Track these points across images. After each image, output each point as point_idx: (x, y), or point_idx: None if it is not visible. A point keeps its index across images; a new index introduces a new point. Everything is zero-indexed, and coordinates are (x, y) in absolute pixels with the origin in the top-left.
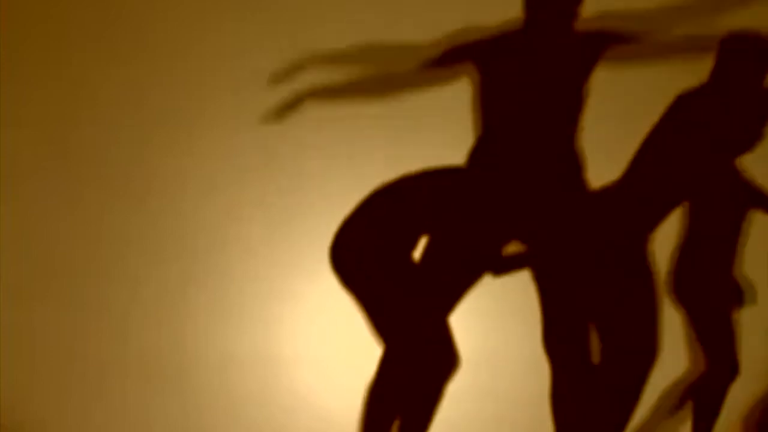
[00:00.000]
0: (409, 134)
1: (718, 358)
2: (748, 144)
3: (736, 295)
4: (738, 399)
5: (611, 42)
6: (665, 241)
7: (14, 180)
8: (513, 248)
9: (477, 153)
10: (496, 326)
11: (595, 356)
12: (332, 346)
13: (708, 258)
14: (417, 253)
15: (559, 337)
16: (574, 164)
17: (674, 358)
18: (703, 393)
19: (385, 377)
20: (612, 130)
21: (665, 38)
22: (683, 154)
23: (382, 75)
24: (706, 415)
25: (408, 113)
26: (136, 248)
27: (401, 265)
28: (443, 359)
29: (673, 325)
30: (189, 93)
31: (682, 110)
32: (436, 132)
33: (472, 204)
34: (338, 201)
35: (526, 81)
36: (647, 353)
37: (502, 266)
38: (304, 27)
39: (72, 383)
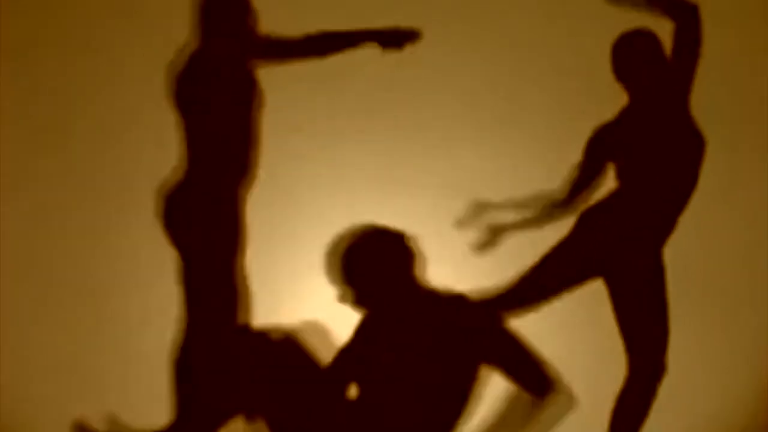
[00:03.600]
0: (408, 135)
1: (642, 358)
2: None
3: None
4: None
5: None
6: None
7: (14, 180)
8: None
9: None
10: None
11: None
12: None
13: None
14: None
15: None
16: None
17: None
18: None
19: None
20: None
21: None
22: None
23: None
24: (629, 418)
25: (408, 113)
26: (136, 248)
27: None
28: None
29: None
30: None
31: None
32: (436, 132)
33: None
34: (338, 200)
35: None
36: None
37: None
38: (304, 27)
39: (72, 383)
